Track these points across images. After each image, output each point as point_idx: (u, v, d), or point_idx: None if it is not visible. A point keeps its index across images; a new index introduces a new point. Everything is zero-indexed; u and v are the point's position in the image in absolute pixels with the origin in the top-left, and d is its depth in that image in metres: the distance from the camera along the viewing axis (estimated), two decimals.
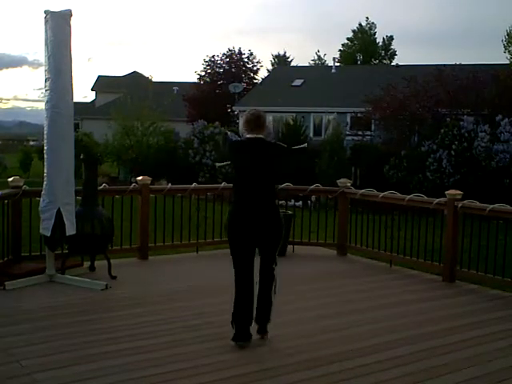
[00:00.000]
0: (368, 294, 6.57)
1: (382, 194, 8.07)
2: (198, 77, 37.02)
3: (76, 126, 31.94)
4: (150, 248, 8.01)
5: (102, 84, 46.46)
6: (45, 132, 6.45)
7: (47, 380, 4.14)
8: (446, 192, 7.28)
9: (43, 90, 6.46)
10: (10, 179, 7.07)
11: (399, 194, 8.15)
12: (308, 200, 12.21)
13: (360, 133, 21.55)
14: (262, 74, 40.09)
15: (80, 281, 6.55)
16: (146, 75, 40.92)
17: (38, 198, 6.59)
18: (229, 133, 20.50)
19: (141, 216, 7.82)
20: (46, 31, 6.41)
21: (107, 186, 7.84)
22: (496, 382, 4.33)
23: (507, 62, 32.64)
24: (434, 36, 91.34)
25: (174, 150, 21.40)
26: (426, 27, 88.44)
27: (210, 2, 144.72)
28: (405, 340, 5.10)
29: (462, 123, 16.56)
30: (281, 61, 51.01)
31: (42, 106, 6.62)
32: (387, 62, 46.95)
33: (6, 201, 6.88)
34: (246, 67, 37.70)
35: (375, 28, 48.96)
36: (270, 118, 23.76)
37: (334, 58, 35.59)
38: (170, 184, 9.03)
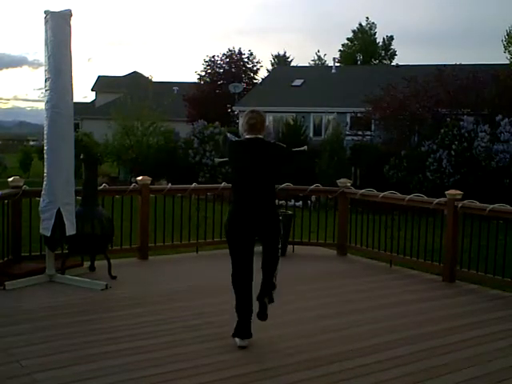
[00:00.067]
0: (368, 294, 6.57)
1: (382, 194, 8.07)
2: (198, 77, 37.10)
3: (76, 126, 31.95)
4: (150, 248, 8.01)
5: (102, 84, 46.47)
6: (45, 132, 6.45)
7: (47, 380, 4.14)
8: (446, 192, 7.28)
9: (43, 90, 6.46)
10: (10, 179, 7.07)
11: (399, 194, 8.15)
12: (308, 200, 12.21)
13: (360, 133, 21.55)
14: (262, 74, 40.20)
15: (80, 281, 6.55)
16: (146, 75, 40.90)
17: (37, 198, 6.59)
18: (228, 134, 20.50)
19: (141, 216, 7.82)
20: (45, 31, 6.41)
21: (107, 186, 7.84)
22: (496, 382, 4.33)
23: (507, 61, 32.62)
24: (434, 36, 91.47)
25: (174, 150, 21.40)
26: (425, 27, 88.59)
27: (210, 2, 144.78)
28: (405, 340, 5.10)
29: (461, 123, 16.56)
30: (281, 61, 50.99)
31: (42, 105, 6.63)
32: (387, 61, 46.97)
33: (5, 201, 6.88)
34: (246, 67, 37.72)
35: (375, 28, 49.05)
36: (270, 117, 23.79)
37: (334, 58, 35.64)
38: (169, 184, 9.03)
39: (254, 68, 38.11)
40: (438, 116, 18.48)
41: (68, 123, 6.50)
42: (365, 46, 47.85)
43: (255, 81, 37.39)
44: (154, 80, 32.97)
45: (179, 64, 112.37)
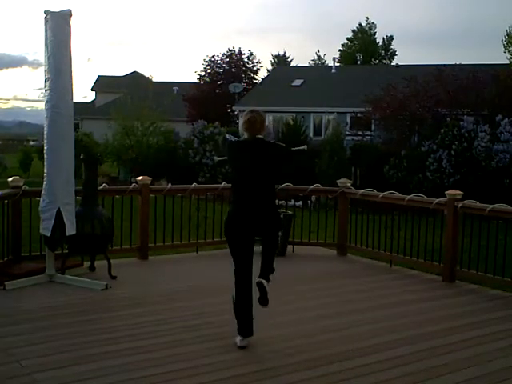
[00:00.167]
0: (368, 294, 6.57)
1: (382, 194, 8.07)
2: (198, 77, 37.10)
3: (76, 126, 31.95)
4: (150, 248, 8.01)
5: (102, 84, 46.47)
6: (45, 132, 6.45)
7: (47, 380, 4.14)
8: (446, 192, 7.28)
9: (43, 90, 6.46)
10: (10, 179, 7.07)
11: (399, 194, 8.15)
12: (308, 200, 12.22)
13: (360, 133, 21.55)
14: (262, 74, 40.21)
15: (80, 281, 6.55)
16: (146, 75, 40.97)
17: (37, 198, 6.59)
18: (227, 134, 20.51)
19: (141, 216, 7.82)
20: (45, 31, 6.41)
21: (107, 186, 7.84)
22: (496, 382, 4.33)
23: (507, 61, 32.63)
24: (434, 36, 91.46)
25: (174, 150, 21.41)
26: (425, 27, 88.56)
27: (210, 2, 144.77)
28: (405, 340, 5.10)
29: (462, 123, 16.56)
30: (281, 61, 51.02)
31: (42, 106, 6.63)
32: (387, 62, 46.98)
33: (5, 201, 6.88)
34: (246, 67, 37.73)
35: (375, 28, 49.08)
36: (269, 117, 23.80)
37: (333, 58, 35.65)
38: (169, 184, 9.03)
39: (254, 68, 38.14)
40: (438, 116, 18.48)
41: (68, 123, 6.50)
42: (365, 46, 47.87)
43: (255, 81, 37.40)
44: (154, 80, 33.05)
45: (179, 64, 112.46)
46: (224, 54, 37.36)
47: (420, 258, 7.60)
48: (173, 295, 6.33)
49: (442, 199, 7.28)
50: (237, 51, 37.60)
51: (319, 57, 52.83)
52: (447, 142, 16.39)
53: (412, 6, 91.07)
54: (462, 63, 21.46)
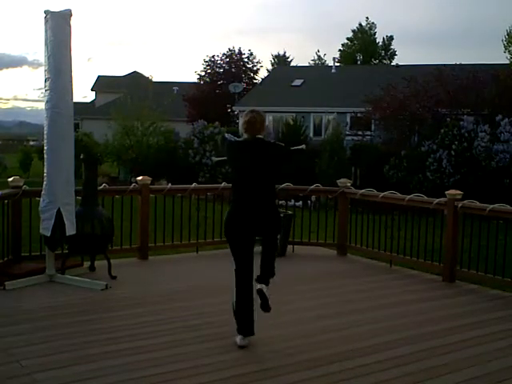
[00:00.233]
0: (368, 294, 6.57)
1: (382, 194, 8.07)
2: (198, 77, 37.09)
3: (76, 126, 31.95)
4: (150, 248, 8.00)
5: (102, 84, 46.47)
6: (45, 132, 6.45)
7: (47, 380, 4.14)
8: (446, 192, 7.28)
9: (43, 90, 6.46)
10: (10, 179, 7.07)
11: (399, 194, 8.15)
12: (308, 200, 12.22)
13: (360, 133, 21.56)
14: (262, 74, 40.18)
15: (80, 281, 6.55)
16: (146, 75, 40.97)
17: (37, 198, 6.59)
18: (226, 134, 20.51)
19: (141, 216, 7.82)
20: (45, 31, 6.41)
21: (107, 186, 7.84)
22: (496, 381, 4.33)
23: (507, 61, 32.65)
24: (434, 36, 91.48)
25: (174, 150, 21.41)
26: (425, 27, 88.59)
27: (210, 2, 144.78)
28: (405, 340, 5.09)
29: (462, 123, 16.56)
30: (281, 61, 51.01)
31: (42, 106, 6.63)
32: (387, 62, 46.98)
33: (5, 201, 6.88)
34: (246, 67, 37.73)
35: (375, 28, 49.08)
36: (269, 117, 23.82)
37: (333, 58, 35.64)
38: (169, 184, 9.03)
39: (254, 68, 38.13)
40: (438, 116, 18.48)
41: (68, 123, 6.50)
42: (365, 46, 47.87)
43: (255, 81, 37.40)
44: (154, 80, 33.03)
45: (179, 64, 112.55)
46: (224, 54, 37.39)
47: (420, 257, 7.60)
48: (173, 295, 6.33)
49: (442, 199, 7.28)
50: (237, 51, 37.61)
51: (319, 57, 52.91)
52: (447, 142, 16.39)
53: (412, 5, 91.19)
54: (462, 63, 21.47)
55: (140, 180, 7.94)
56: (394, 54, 48.82)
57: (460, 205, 7.00)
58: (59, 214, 6.35)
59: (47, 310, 5.67)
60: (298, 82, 30.04)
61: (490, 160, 15.84)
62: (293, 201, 12.85)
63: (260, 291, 4.80)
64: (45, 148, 6.47)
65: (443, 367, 4.53)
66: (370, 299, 6.36)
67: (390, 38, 48.89)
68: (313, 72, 34.02)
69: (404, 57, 76.85)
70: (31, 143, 43.89)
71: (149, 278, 7.03)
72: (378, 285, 7.09)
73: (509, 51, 35.72)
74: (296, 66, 40.97)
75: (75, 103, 6.73)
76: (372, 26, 49.00)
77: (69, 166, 6.49)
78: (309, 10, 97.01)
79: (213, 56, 37.07)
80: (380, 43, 49.00)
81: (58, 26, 6.39)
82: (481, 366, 4.59)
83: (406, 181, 16.66)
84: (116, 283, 6.62)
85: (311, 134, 24.61)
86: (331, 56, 69.92)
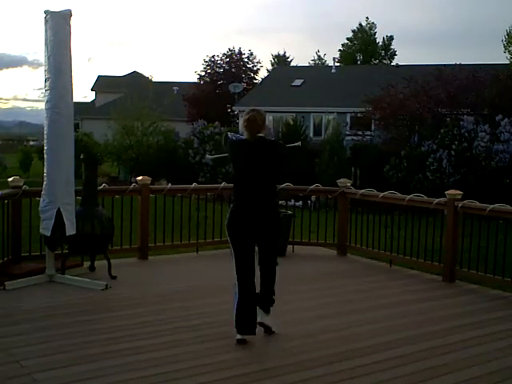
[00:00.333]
0: (368, 294, 6.57)
1: (382, 194, 8.07)
2: (198, 77, 37.11)
3: (76, 126, 31.95)
4: (150, 248, 8.00)
5: (102, 84, 46.47)
6: (45, 132, 6.45)
7: (47, 380, 4.14)
8: (446, 192, 7.28)
9: (43, 90, 6.46)
10: (10, 179, 7.07)
11: (399, 194, 8.15)
12: (308, 200, 12.23)
13: (360, 133, 21.55)
14: (262, 74, 40.18)
15: (80, 281, 6.55)
16: (146, 75, 41.05)
17: (37, 198, 6.59)
18: (229, 133, 20.52)
19: (141, 216, 7.82)
20: (45, 31, 6.41)
21: (107, 186, 7.84)
22: (496, 382, 4.33)
23: (507, 61, 32.65)
24: (434, 36, 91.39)
25: (174, 150, 21.42)
26: (425, 27, 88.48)
27: (210, 2, 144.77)
28: (405, 340, 5.09)
29: (462, 123, 16.57)
30: (281, 61, 51.00)
31: (42, 106, 6.63)
32: (387, 61, 46.96)
33: (5, 201, 6.88)
34: (246, 67, 37.73)
35: (375, 28, 49.05)
36: (269, 117, 23.78)
37: (333, 58, 35.65)
38: (169, 184, 9.03)
39: (254, 68, 38.13)
40: (438, 116, 18.48)
41: (68, 123, 6.50)
42: (365, 46, 47.87)
43: (255, 81, 37.40)
44: (154, 80, 33.11)
45: (179, 64, 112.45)
46: (224, 54, 37.39)
47: (420, 258, 7.60)
48: (173, 295, 6.33)
49: (442, 199, 7.28)
50: (237, 51, 37.61)
51: (319, 57, 52.89)
52: (447, 142, 16.39)
53: (412, 6, 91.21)
54: (462, 63, 21.44)
55: (140, 180, 7.94)
56: (393, 54, 48.82)
57: (460, 205, 7.00)
58: (59, 214, 6.35)
59: (47, 310, 5.67)
60: (297, 82, 30.05)
61: (490, 160, 15.84)
62: (293, 201, 12.86)
63: (262, 324, 4.96)
64: (45, 148, 6.47)
65: (443, 367, 4.53)
66: (370, 299, 6.36)
67: (390, 38, 48.89)
68: (313, 72, 34.02)
69: (404, 57, 76.92)
70: (31, 143, 43.92)
71: (149, 278, 7.03)
72: (378, 285, 7.09)
73: (509, 51, 35.74)
74: (296, 66, 40.98)
75: (75, 103, 6.73)
76: (372, 26, 49.02)
77: (69, 166, 6.49)
78: (309, 10, 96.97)
79: (213, 56, 37.12)
80: (380, 43, 49.00)
81: (58, 26, 6.39)
82: (481, 365, 4.59)
83: (406, 181, 16.66)
84: (116, 283, 6.62)
85: (311, 134, 24.60)
86: (331, 56, 69.98)
